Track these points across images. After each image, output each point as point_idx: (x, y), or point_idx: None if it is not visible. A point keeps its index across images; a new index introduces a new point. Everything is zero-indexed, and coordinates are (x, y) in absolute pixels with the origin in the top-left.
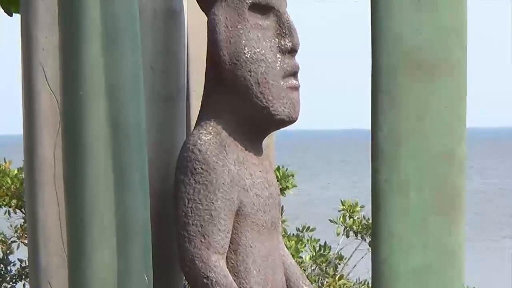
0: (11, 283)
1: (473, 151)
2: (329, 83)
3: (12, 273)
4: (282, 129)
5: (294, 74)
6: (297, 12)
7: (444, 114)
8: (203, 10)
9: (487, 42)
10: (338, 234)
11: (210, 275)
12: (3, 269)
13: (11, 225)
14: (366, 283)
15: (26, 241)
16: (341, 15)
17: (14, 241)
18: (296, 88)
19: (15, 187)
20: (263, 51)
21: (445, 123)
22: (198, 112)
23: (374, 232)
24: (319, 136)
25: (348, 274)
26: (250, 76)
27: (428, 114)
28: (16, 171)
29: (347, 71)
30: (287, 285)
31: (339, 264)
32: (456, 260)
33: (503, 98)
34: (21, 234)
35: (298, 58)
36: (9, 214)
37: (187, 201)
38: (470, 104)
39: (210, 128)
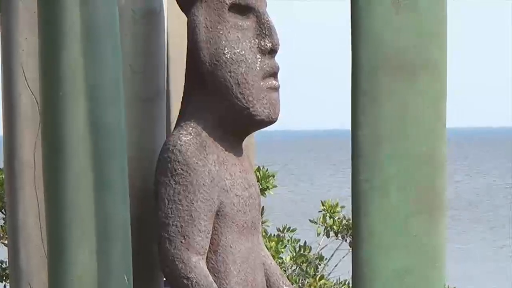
0: None
1: (476, 151)
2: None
3: None
4: (264, 129)
5: (274, 74)
6: (284, 10)
7: (424, 114)
8: (182, 11)
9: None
10: (318, 234)
11: (191, 275)
12: None
13: None
14: (346, 283)
15: (6, 242)
16: (330, 14)
17: None
18: (276, 89)
19: None
20: (243, 52)
21: (425, 124)
22: (178, 113)
23: (354, 232)
24: (302, 136)
25: (328, 275)
26: (230, 76)
27: (408, 114)
28: None
29: (335, 70)
30: (267, 286)
31: (320, 264)
32: (437, 261)
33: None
34: (1, 235)
35: (287, 56)
36: None
37: (167, 202)
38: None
39: (190, 128)
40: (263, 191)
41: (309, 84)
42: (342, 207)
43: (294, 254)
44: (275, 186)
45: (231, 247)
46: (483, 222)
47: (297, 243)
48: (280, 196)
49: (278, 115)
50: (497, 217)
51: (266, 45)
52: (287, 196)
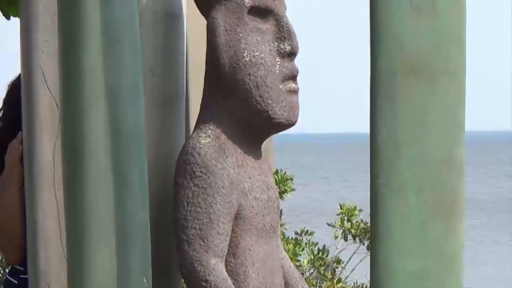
0: None
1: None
2: (326, 86)
3: None
4: (282, 132)
5: (293, 77)
6: (297, 11)
7: (443, 119)
8: (202, 14)
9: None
10: (336, 238)
11: (209, 278)
12: None
13: None
14: (364, 286)
15: None
16: (342, 15)
17: None
18: (295, 92)
19: None
20: (262, 55)
21: (444, 128)
22: (197, 115)
23: (372, 236)
24: (317, 139)
25: (346, 278)
26: (249, 79)
27: (427, 118)
28: None
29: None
30: None
31: (337, 267)
32: (455, 265)
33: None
34: None
35: (303, 58)
36: None
37: (186, 204)
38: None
39: (209, 131)
40: (281, 194)
41: (318, 86)
42: (360, 210)
43: (312, 257)
44: (293, 190)
45: (250, 250)
46: (507, 225)
47: (315, 246)
48: (298, 199)
49: (298, 118)
50: None
51: (285, 48)
52: (305, 199)
